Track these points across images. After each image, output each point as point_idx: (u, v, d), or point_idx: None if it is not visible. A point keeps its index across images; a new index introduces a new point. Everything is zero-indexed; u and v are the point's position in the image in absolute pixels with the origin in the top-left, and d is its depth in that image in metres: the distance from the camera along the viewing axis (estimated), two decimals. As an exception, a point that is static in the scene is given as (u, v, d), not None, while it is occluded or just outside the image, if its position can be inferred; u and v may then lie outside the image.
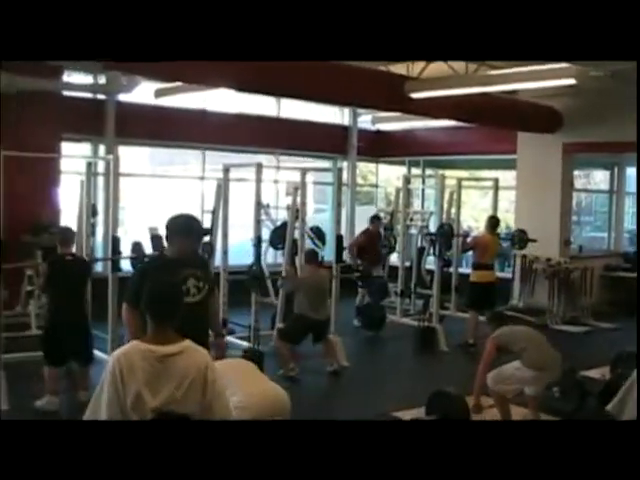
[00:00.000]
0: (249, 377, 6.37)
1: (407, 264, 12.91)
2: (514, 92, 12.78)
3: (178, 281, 4.26)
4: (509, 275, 14.80)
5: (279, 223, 13.11)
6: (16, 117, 11.11)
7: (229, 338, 10.20)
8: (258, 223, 10.24)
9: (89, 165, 9.58)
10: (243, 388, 5.85)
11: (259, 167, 10.22)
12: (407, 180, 13.36)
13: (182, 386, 3.54)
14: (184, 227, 5.38)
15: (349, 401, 8.53)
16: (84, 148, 13.84)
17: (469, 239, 12.54)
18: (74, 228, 8.94)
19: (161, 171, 17.33)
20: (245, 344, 9.90)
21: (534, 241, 12.75)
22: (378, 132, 18.05)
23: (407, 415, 7.14)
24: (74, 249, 8.19)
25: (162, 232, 11.37)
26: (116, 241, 8.50)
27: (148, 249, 10.27)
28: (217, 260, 10.86)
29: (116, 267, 8.49)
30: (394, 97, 11.43)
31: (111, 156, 9.12)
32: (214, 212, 10.89)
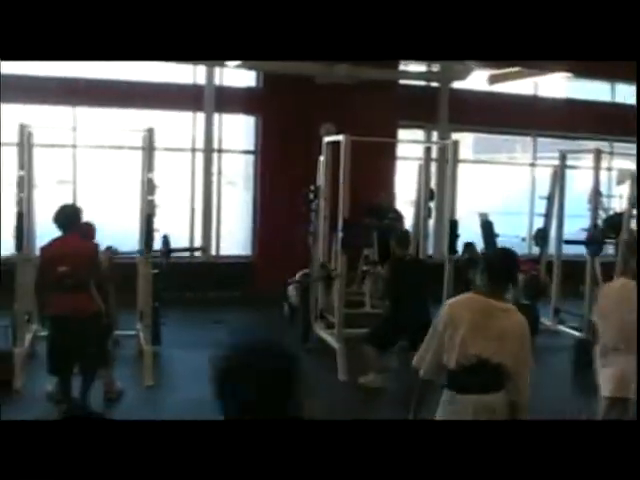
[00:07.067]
0: None
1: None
2: None
3: (514, 252, 4.64)
4: None
5: (611, 212, 12.61)
6: (357, 105, 11.67)
7: (559, 327, 10.03)
8: (595, 211, 9.89)
9: (427, 150, 9.81)
10: None
11: (597, 154, 9.88)
12: None
13: (502, 339, 3.99)
14: None
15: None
16: (416, 134, 14.23)
17: None
18: (409, 214, 9.19)
19: (485, 158, 17.37)
20: (576, 334, 9.64)
21: None
22: None
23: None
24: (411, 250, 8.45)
25: (492, 218, 11.63)
26: (454, 225, 8.64)
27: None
28: (551, 248, 10.68)
29: (453, 250, 8.63)
30: None
31: (450, 141, 9.27)
32: (549, 199, 10.73)
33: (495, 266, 4.31)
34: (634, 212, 10.59)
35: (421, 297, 8.03)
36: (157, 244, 8.72)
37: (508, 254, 4.56)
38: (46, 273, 6.53)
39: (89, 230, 7.53)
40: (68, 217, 6.72)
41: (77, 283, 6.40)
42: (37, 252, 8.74)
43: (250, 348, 2.18)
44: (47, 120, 11.26)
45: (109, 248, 7.96)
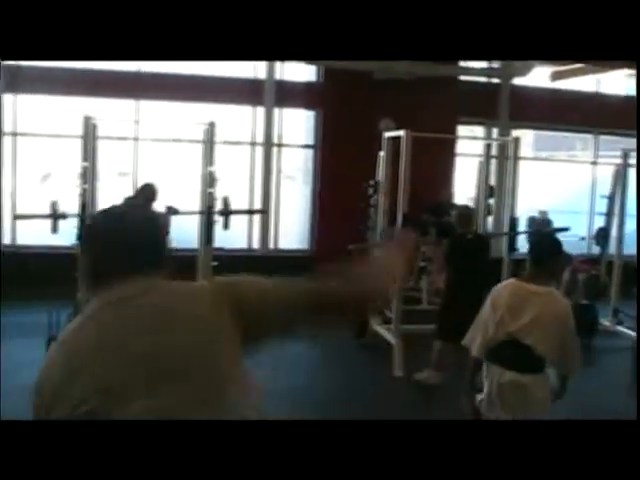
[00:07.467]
0: None
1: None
2: None
3: (558, 239, 4.81)
4: None
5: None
6: (417, 101, 11.64)
7: (618, 328, 9.90)
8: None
9: (488, 147, 9.76)
10: None
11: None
12: None
13: (536, 322, 4.27)
14: None
15: None
16: (475, 131, 14.17)
17: None
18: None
19: (546, 156, 17.25)
20: (635, 335, 9.50)
21: None
22: None
23: None
24: (474, 228, 8.27)
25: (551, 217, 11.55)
26: (514, 221, 8.58)
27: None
28: (611, 247, 10.55)
29: (513, 247, 8.56)
30: None
31: (511, 138, 9.22)
32: (610, 198, 10.60)
33: (536, 251, 4.58)
34: None
35: (482, 281, 7.31)
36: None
37: (550, 240, 4.89)
38: None
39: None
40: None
41: None
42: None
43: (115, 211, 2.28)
44: (111, 113, 11.46)
45: (169, 208, 8.03)
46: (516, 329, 4.34)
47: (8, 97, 11.81)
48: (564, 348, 4.35)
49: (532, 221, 12.08)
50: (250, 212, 12.03)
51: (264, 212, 12.16)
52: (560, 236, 10.41)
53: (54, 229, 8.11)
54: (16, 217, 10.53)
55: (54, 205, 8.06)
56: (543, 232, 5.10)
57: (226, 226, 8.30)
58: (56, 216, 8.05)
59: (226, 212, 8.24)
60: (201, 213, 8.60)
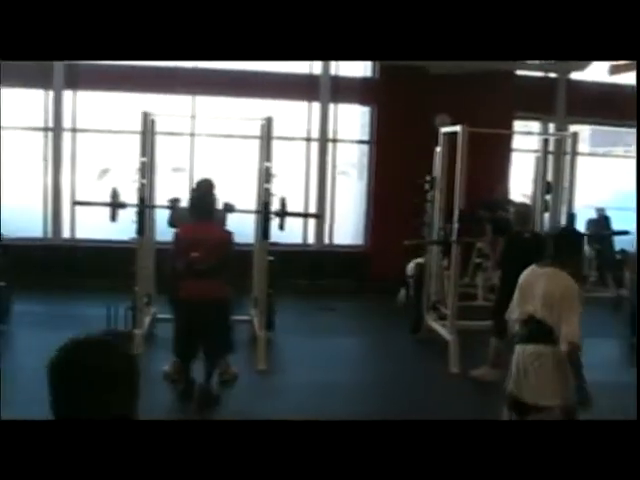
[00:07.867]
0: None
1: None
2: None
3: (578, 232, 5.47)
4: None
5: None
6: (473, 96, 11.55)
7: None
8: None
9: (545, 142, 9.65)
10: None
11: None
12: None
13: (545, 299, 4.79)
14: None
15: None
16: (531, 126, 14.02)
17: None
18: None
19: (602, 151, 17.03)
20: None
21: None
22: None
23: None
24: (531, 227, 8.19)
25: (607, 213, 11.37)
26: (572, 218, 8.49)
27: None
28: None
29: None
30: None
31: (569, 133, 9.11)
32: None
33: (556, 249, 5.03)
34: None
35: None
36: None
37: (570, 240, 5.34)
38: (179, 258, 6.70)
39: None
40: (204, 204, 6.91)
41: (209, 269, 6.56)
42: (156, 237, 9.07)
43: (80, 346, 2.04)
44: (168, 109, 11.58)
45: (226, 205, 8.10)
46: (530, 306, 4.92)
47: (68, 93, 12.01)
48: (558, 314, 4.73)
49: (590, 223, 11.95)
50: (305, 215, 12.02)
51: (319, 217, 12.15)
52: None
53: (113, 217, 8.20)
54: (75, 203, 10.72)
55: (114, 193, 8.15)
56: (566, 228, 5.44)
57: (281, 227, 8.31)
58: (116, 204, 8.14)
59: (282, 214, 8.26)
60: (257, 212, 8.66)
